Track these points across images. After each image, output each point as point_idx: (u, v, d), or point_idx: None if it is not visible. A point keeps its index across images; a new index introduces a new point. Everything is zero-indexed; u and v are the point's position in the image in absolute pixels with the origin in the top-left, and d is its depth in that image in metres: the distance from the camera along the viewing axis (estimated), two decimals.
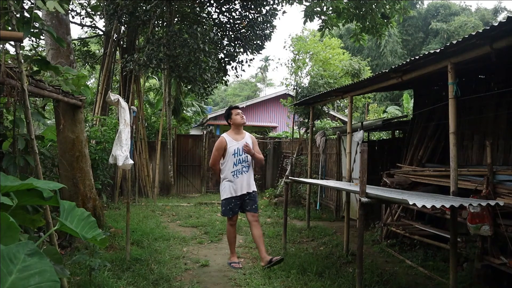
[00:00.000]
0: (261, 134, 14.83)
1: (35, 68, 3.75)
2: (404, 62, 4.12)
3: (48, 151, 5.32)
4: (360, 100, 13.91)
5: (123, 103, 4.57)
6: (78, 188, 5.37)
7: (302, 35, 14.63)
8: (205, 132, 12.67)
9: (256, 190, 4.85)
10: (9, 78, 2.99)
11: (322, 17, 7.90)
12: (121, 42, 10.54)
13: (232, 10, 10.12)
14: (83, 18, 12.12)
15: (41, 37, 5.75)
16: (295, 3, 8.30)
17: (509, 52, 3.40)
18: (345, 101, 12.20)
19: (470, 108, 5.43)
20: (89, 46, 13.39)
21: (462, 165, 5.11)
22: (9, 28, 2.96)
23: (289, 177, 6.13)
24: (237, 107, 4.95)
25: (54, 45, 5.45)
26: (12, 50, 3.38)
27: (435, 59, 3.83)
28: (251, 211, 4.71)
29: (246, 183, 4.70)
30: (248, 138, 4.85)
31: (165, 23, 9.64)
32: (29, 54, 4.38)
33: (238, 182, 4.67)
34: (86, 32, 14.88)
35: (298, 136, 11.73)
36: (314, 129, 8.87)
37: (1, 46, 3.31)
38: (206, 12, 10.32)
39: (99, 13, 11.51)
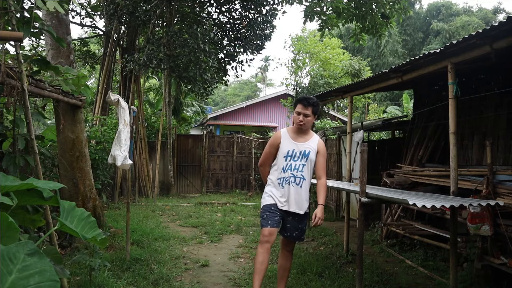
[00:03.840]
0: (261, 134, 14.84)
1: (35, 68, 3.75)
2: (404, 62, 4.12)
3: (48, 151, 5.31)
4: (360, 100, 13.95)
5: (123, 103, 4.57)
6: (78, 188, 5.37)
7: (302, 35, 14.64)
8: (205, 132, 12.68)
9: (307, 212, 3.51)
10: (9, 78, 2.99)
11: (322, 17, 7.90)
12: (121, 42, 10.54)
13: (232, 10, 10.12)
14: (83, 18, 12.13)
15: (41, 37, 5.75)
16: (295, 3, 8.30)
17: (509, 52, 3.40)
18: (345, 101, 12.21)
19: (470, 108, 5.44)
20: (89, 46, 13.39)
21: (462, 165, 5.11)
22: (9, 28, 2.96)
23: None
24: (302, 102, 3.46)
25: (54, 45, 5.44)
26: (12, 50, 3.39)
27: (435, 59, 3.83)
28: (289, 239, 3.52)
29: (294, 200, 3.38)
30: (313, 143, 3.48)
31: (165, 23, 9.64)
32: (29, 54, 4.38)
33: (281, 192, 3.42)
34: (86, 32, 14.87)
35: None
36: (314, 129, 8.87)
37: (1, 46, 3.31)
38: (206, 12, 10.33)
39: (99, 13, 11.51)
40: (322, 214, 3.34)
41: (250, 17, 10.06)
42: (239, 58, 10.54)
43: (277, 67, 64.91)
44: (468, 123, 5.44)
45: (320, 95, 7.05)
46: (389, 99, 27.65)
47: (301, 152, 3.42)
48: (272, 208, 3.40)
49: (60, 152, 5.36)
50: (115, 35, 10.02)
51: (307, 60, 13.42)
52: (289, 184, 3.38)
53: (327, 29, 8.10)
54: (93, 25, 12.50)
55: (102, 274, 3.97)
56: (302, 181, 3.39)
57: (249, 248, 5.67)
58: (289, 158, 3.42)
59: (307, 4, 7.91)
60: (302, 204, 3.42)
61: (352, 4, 7.78)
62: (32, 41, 9.40)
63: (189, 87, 10.49)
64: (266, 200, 3.47)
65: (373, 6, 7.79)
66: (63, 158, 5.30)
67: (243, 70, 20.42)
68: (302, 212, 3.42)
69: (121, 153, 4.40)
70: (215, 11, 10.28)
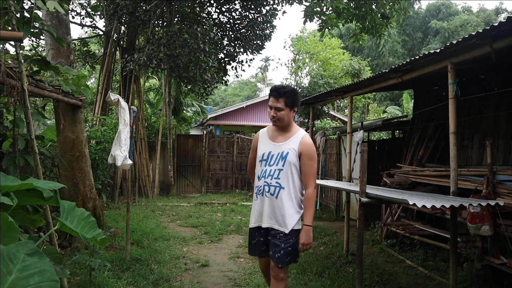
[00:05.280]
0: None
1: (35, 68, 3.74)
2: (404, 62, 4.12)
3: (48, 151, 5.32)
4: (360, 100, 13.95)
5: (123, 103, 4.57)
6: (78, 188, 5.37)
7: (302, 35, 14.66)
8: (205, 132, 12.68)
9: (292, 229, 2.69)
10: (9, 78, 2.99)
11: (322, 17, 7.91)
12: (121, 42, 10.54)
13: (232, 10, 10.13)
14: (83, 18, 12.14)
15: (41, 37, 5.75)
16: (295, 3, 8.30)
17: (509, 52, 3.40)
18: (345, 101, 12.22)
19: (470, 108, 5.44)
20: (89, 46, 13.39)
21: (462, 165, 5.11)
22: (9, 28, 2.96)
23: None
24: (272, 94, 2.86)
25: (54, 45, 5.44)
26: (12, 50, 3.39)
27: (435, 59, 3.83)
28: (273, 260, 2.72)
29: (268, 213, 2.72)
30: (294, 142, 2.77)
31: (165, 23, 9.64)
32: (29, 54, 4.37)
33: (256, 206, 2.80)
34: (86, 32, 14.89)
35: None
36: (314, 129, 8.87)
37: (1, 46, 3.31)
38: (206, 12, 10.33)
39: (99, 13, 11.51)
40: (309, 238, 2.66)
41: (250, 17, 10.06)
42: (239, 58, 10.55)
43: (277, 67, 65.18)
44: (468, 123, 5.44)
45: (320, 95, 7.05)
46: (389, 99, 27.65)
47: (278, 155, 2.74)
48: (256, 234, 2.82)
49: (60, 152, 5.36)
50: (115, 35, 10.02)
51: (307, 60, 13.43)
52: (262, 195, 2.73)
53: (327, 29, 8.11)
54: (93, 25, 12.50)
55: (102, 274, 3.97)
56: (279, 191, 2.67)
57: None
58: (264, 162, 2.78)
59: (307, 4, 7.91)
60: (283, 218, 2.67)
61: (352, 4, 7.78)
62: (32, 41, 9.41)
63: (189, 87, 10.50)
64: (250, 219, 2.89)
65: (373, 6, 7.79)
66: (63, 158, 5.30)
67: (243, 70, 20.47)
68: (281, 228, 2.67)
69: (121, 153, 4.40)
70: (215, 11, 10.29)
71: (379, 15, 7.94)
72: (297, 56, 13.39)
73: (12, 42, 2.96)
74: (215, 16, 10.38)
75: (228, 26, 10.28)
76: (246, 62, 10.71)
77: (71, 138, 5.33)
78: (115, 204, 8.97)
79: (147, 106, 14.31)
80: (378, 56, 29.10)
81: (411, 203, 2.88)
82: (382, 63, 28.28)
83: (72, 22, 10.84)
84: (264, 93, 45.65)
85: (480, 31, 3.04)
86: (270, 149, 2.79)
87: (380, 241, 6.02)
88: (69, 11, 9.83)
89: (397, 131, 9.05)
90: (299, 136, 2.80)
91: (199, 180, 12.30)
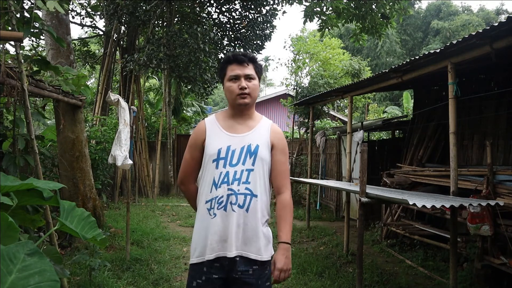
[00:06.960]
0: None
1: (35, 68, 3.74)
2: (404, 62, 4.12)
3: (48, 151, 5.32)
4: (360, 100, 13.93)
5: (123, 103, 4.57)
6: (78, 188, 5.38)
7: (302, 35, 14.66)
8: None
9: (267, 259, 1.87)
10: (9, 78, 2.99)
11: (322, 17, 7.90)
12: (121, 42, 10.55)
13: (232, 10, 10.13)
14: (83, 18, 12.14)
15: (41, 37, 5.75)
16: (295, 3, 8.30)
17: (509, 52, 3.40)
18: (345, 101, 12.22)
19: (470, 108, 5.44)
20: (89, 46, 13.39)
21: (462, 165, 5.11)
22: (9, 28, 2.96)
23: (289, 177, 6.12)
24: (236, 59, 1.93)
25: (54, 45, 5.45)
26: (12, 50, 3.39)
27: (435, 59, 3.83)
28: None
29: (239, 234, 1.82)
30: (263, 132, 1.99)
31: (165, 23, 9.65)
32: (29, 54, 4.37)
33: (216, 227, 1.82)
34: (86, 32, 14.88)
35: (298, 136, 11.73)
36: (314, 129, 8.87)
37: (1, 46, 3.31)
38: (206, 12, 10.34)
39: (99, 13, 11.51)
40: (289, 261, 1.86)
41: (250, 17, 10.06)
42: None
43: (277, 67, 65.17)
44: (468, 123, 5.44)
45: (320, 95, 7.06)
46: (389, 99, 27.65)
47: (243, 150, 1.89)
48: (204, 270, 1.83)
49: (60, 152, 5.37)
50: (115, 35, 10.02)
51: (307, 60, 13.42)
52: (225, 209, 1.82)
53: (327, 29, 8.10)
54: (93, 25, 12.51)
55: (102, 274, 3.97)
56: (250, 201, 1.85)
57: None
58: (221, 162, 1.87)
59: (307, 4, 7.90)
60: (257, 241, 1.85)
61: (352, 4, 7.77)
62: (32, 41, 9.39)
63: (189, 87, 10.49)
64: (192, 252, 1.91)
65: (373, 6, 7.79)
66: (63, 158, 5.30)
67: None
68: (257, 256, 1.83)
69: (121, 153, 4.40)
70: (215, 11, 10.29)
71: (379, 15, 7.93)
72: (297, 56, 13.39)
73: (12, 42, 2.96)
74: (215, 16, 10.38)
75: (228, 26, 10.28)
76: None
77: (71, 138, 5.33)
78: (115, 204, 8.98)
79: (147, 106, 14.31)
80: (378, 56, 29.10)
81: (411, 203, 2.88)
82: (382, 63, 28.27)
83: (72, 22, 10.84)
84: (264, 93, 45.62)
85: (480, 31, 3.05)
86: (229, 143, 1.90)
87: (380, 241, 6.02)
88: (69, 11, 9.84)
89: (397, 131, 9.05)
90: (266, 124, 2.03)
91: None
